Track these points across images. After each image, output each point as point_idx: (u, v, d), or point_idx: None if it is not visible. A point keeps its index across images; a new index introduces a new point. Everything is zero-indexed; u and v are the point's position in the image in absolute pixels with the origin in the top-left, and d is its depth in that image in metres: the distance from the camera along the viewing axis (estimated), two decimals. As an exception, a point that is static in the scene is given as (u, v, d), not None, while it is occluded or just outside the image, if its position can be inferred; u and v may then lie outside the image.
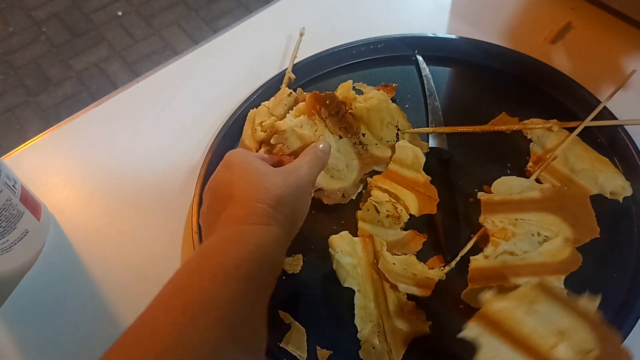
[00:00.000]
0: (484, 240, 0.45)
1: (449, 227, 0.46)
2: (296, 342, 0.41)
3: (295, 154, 0.45)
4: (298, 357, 0.41)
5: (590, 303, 0.36)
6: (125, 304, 0.45)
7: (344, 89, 0.50)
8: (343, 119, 0.48)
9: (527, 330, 0.35)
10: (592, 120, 0.49)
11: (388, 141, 0.49)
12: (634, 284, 0.42)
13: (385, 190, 0.46)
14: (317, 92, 0.48)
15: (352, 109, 0.48)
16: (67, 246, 0.48)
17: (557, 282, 0.42)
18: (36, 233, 0.47)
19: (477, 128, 0.51)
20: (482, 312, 0.36)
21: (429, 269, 0.44)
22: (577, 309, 0.36)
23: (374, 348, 0.40)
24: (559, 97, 0.53)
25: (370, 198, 0.46)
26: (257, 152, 0.50)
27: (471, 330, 0.36)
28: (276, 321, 0.42)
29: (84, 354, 0.43)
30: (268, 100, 0.53)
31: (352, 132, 0.48)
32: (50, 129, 0.57)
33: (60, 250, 0.48)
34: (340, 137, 0.48)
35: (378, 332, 0.41)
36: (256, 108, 0.53)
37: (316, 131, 0.47)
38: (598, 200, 0.46)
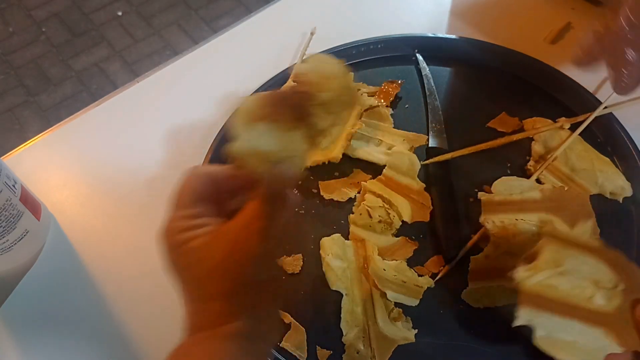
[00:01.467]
0: (485, 240, 0.45)
1: (448, 227, 0.46)
2: (296, 341, 0.41)
3: None
4: (298, 357, 0.41)
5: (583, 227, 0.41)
6: (125, 304, 0.45)
7: None
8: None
9: (565, 292, 0.37)
10: (595, 118, 0.49)
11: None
12: (634, 284, 0.42)
13: (378, 196, 0.46)
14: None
15: None
16: (67, 246, 0.48)
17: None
18: (36, 233, 0.47)
19: (489, 144, 0.49)
20: (523, 294, 0.37)
21: (425, 271, 0.44)
22: (593, 248, 0.39)
23: (358, 353, 0.40)
24: (559, 97, 0.53)
25: (364, 203, 0.46)
26: None
27: (523, 316, 0.37)
28: (276, 321, 0.43)
29: (83, 353, 0.43)
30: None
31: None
32: (50, 129, 0.57)
33: (60, 250, 0.48)
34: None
35: (363, 337, 0.41)
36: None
37: None
38: (598, 200, 0.46)
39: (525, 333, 0.37)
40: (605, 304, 0.37)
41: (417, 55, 0.57)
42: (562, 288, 0.37)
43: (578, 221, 0.44)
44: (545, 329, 0.37)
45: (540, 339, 0.37)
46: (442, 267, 0.44)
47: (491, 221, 0.45)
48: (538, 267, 0.38)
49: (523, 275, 0.38)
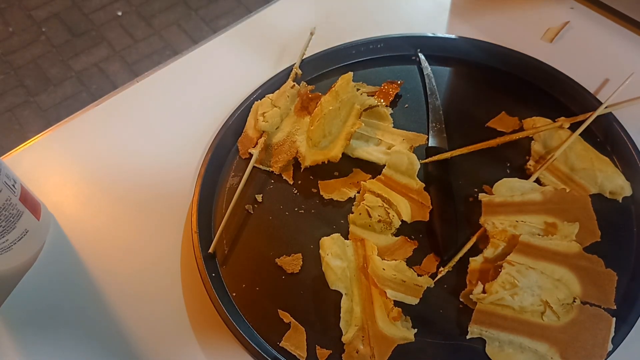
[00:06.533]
0: (484, 241, 0.45)
1: (447, 227, 0.46)
2: (296, 341, 0.41)
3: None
4: (297, 357, 0.41)
5: (569, 228, 0.43)
6: (125, 304, 0.45)
7: (343, 81, 0.50)
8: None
9: (517, 309, 0.40)
10: (594, 118, 0.49)
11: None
12: (633, 284, 0.42)
13: (378, 195, 0.46)
14: None
15: None
16: (67, 246, 0.48)
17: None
18: (36, 233, 0.47)
19: (489, 144, 0.49)
20: (476, 311, 0.41)
21: (422, 270, 0.44)
22: (555, 252, 0.42)
23: (357, 352, 0.40)
24: (559, 96, 0.53)
25: (363, 202, 0.46)
26: (257, 141, 0.51)
27: (474, 331, 0.40)
28: (276, 320, 0.43)
29: (84, 353, 0.43)
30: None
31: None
32: (50, 128, 0.57)
33: (60, 250, 0.48)
34: None
35: (362, 336, 0.41)
36: (260, 100, 0.54)
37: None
38: (598, 200, 0.46)
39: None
40: (556, 320, 0.39)
41: (419, 54, 0.57)
42: (515, 305, 0.40)
43: (579, 224, 0.44)
44: (495, 341, 0.40)
45: (491, 350, 0.40)
46: (440, 267, 0.44)
47: (491, 222, 0.45)
48: (491, 291, 0.40)
49: (478, 296, 0.41)
